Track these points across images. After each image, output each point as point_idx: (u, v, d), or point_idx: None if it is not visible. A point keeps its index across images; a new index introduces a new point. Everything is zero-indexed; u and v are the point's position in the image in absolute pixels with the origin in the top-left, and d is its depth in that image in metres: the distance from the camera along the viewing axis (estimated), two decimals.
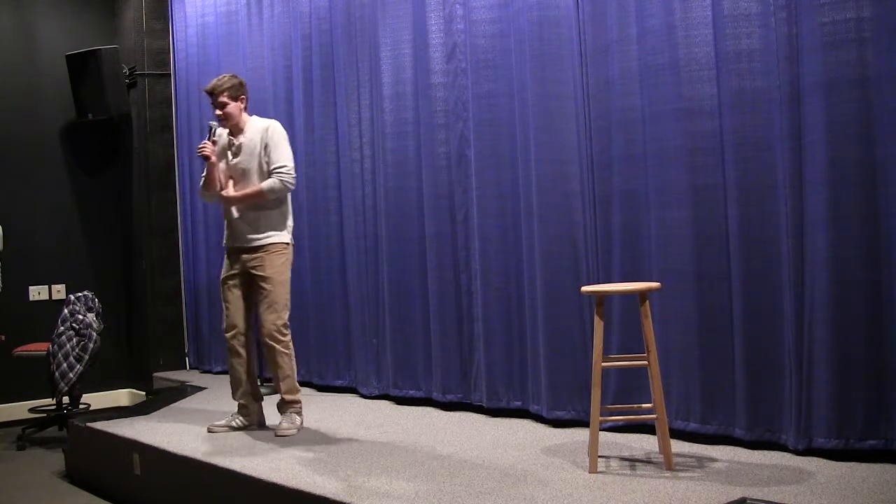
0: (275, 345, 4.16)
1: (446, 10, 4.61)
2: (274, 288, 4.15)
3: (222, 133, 4.32)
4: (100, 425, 4.66)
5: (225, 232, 4.34)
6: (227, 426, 4.28)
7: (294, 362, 4.27)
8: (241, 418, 4.31)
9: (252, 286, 4.23)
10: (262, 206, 4.19)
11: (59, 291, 6.61)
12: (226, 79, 4.25)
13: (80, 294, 5.62)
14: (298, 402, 4.27)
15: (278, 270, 4.18)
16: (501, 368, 4.38)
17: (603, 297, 3.32)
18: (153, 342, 6.67)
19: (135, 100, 6.77)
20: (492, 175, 4.41)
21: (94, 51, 6.51)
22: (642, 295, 3.29)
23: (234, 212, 4.23)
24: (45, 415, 5.80)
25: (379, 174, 4.99)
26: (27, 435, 5.62)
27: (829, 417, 3.23)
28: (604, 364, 3.30)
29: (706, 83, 3.60)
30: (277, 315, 4.15)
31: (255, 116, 4.35)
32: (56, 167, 6.77)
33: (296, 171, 4.29)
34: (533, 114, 4.16)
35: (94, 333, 5.53)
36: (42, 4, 6.76)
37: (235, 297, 4.25)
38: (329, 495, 3.10)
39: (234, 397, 4.35)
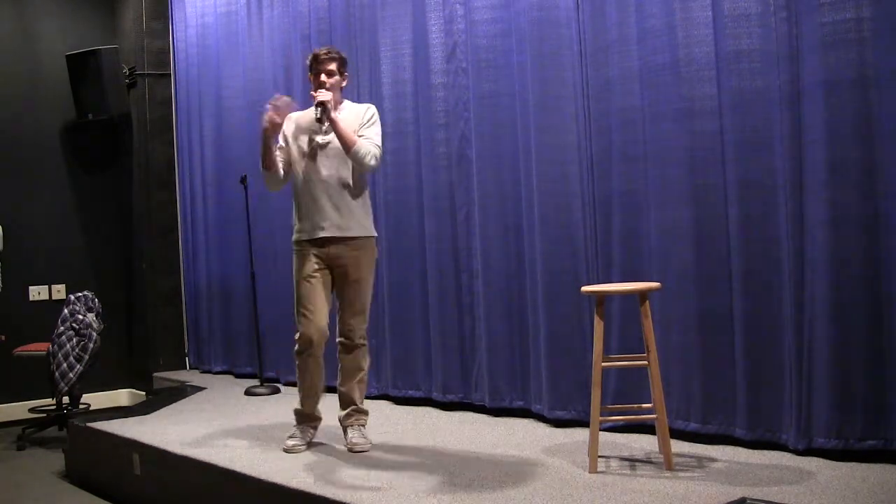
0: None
1: (446, 10, 4.61)
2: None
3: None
4: (100, 425, 4.66)
5: (308, 221, 3.87)
6: (306, 443, 3.90)
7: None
8: (312, 431, 3.98)
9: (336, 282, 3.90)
10: (354, 191, 3.84)
11: (59, 291, 6.61)
12: (335, 49, 3.94)
13: (80, 294, 5.62)
14: (367, 412, 3.99)
15: (369, 273, 3.91)
16: (503, 368, 4.38)
17: (603, 297, 3.32)
18: (153, 342, 6.67)
19: (135, 100, 6.77)
20: (492, 175, 4.41)
21: (94, 51, 6.51)
22: (642, 295, 3.29)
23: (323, 196, 3.82)
24: (45, 415, 5.80)
25: (379, 174, 4.99)
26: (27, 435, 5.62)
27: (829, 417, 3.23)
28: (604, 364, 3.30)
29: (706, 83, 3.60)
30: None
31: (348, 101, 4.02)
32: (56, 167, 6.77)
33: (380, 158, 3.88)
34: (533, 114, 4.17)
35: (94, 333, 5.53)
36: (42, 4, 6.76)
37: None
38: (329, 495, 3.10)
39: (308, 408, 3.96)
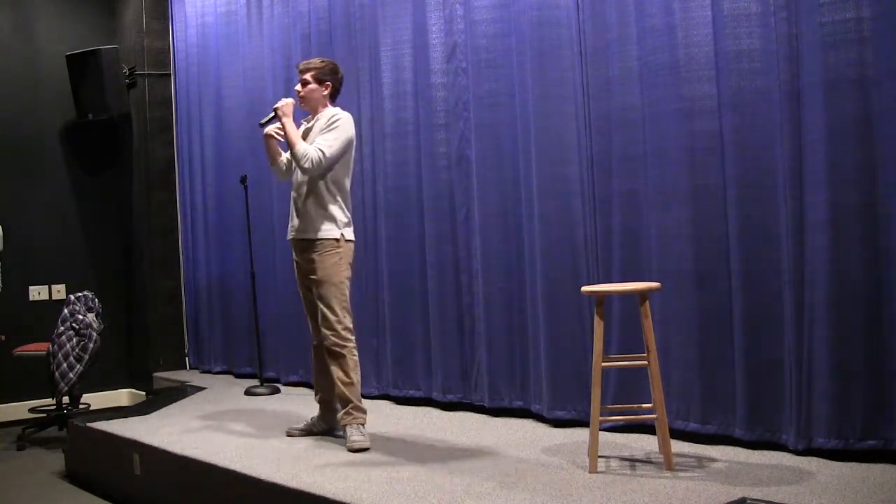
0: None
1: (446, 10, 4.61)
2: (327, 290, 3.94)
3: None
4: (100, 425, 4.66)
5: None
6: (307, 430, 4.14)
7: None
8: (321, 424, 4.14)
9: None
10: (312, 195, 3.96)
11: (59, 291, 6.61)
12: (318, 60, 4.13)
13: (80, 294, 5.62)
14: (364, 411, 3.97)
15: (330, 272, 3.93)
16: (503, 368, 4.38)
17: (603, 297, 3.32)
18: (153, 342, 6.67)
19: (135, 100, 6.77)
20: (492, 175, 4.41)
21: (94, 51, 6.51)
22: (642, 295, 3.28)
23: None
24: (45, 415, 5.80)
25: (379, 174, 4.99)
26: (27, 435, 5.62)
27: (829, 417, 3.23)
28: (604, 364, 3.30)
29: (706, 83, 3.60)
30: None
31: (337, 108, 4.12)
32: (56, 167, 6.77)
33: (325, 163, 3.89)
34: (533, 114, 4.17)
35: (94, 333, 5.53)
36: (42, 4, 6.76)
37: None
38: (329, 495, 3.10)
39: (317, 399, 4.22)
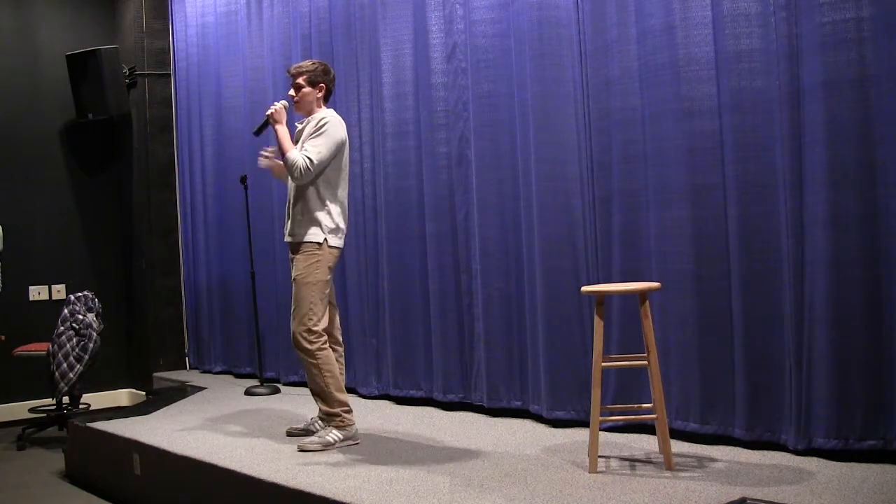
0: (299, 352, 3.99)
1: (446, 10, 4.62)
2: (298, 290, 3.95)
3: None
4: (100, 425, 4.66)
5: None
6: (306, 430, 4.13)
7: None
8: (320, 422, 4.10)
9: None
10: (300, 200, 3.97)
11: (59, 291, 6.61)
12: (308, 63, 4.12)
13: (80, 294, 5.62)
14: (338, 415, 3.95)
15: (303, 272, 3.94)
16: (502, 368, 4.38)
17: (603, 297, 3.32)
18: (153, 342, 6.67)
19: (135, 100, 6.77)
20: (492, 175, 4.41)
21: (94, 51, 6.51)
22: (642, 295, 3.29)
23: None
24: (45, 415, 5.79)
25: (379, 174, 4.99)
26: (27, 435, 5.62)
27: (829, 417, 3.23)
28: (604, 364, 3.30)
29: (706, 83, 3.60)
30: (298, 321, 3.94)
31: (330, 110, 4.11)
32: (56, 167, 6.77)
33: (314, 170, 3.88)
34: (533, 114, 4.16)
35: (94, 333, 5.53)
36: (42, 4, 6.76)
37: None
38: (329, 495, 3.10)
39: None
